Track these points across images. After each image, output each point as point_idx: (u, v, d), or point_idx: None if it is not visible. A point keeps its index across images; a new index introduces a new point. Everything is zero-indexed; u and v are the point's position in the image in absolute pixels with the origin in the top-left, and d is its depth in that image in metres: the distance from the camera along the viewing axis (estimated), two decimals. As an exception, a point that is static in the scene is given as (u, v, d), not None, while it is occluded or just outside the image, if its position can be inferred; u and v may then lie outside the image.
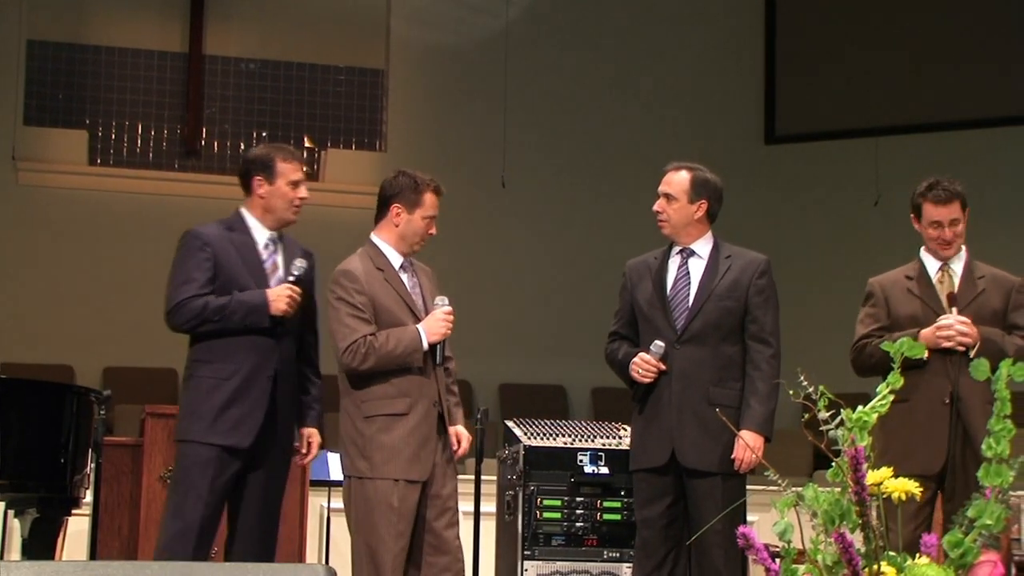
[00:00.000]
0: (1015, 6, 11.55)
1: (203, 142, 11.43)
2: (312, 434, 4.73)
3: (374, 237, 4.75)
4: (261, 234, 4.67)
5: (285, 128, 11.67)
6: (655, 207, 4.76)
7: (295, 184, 4.64)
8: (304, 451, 4.74)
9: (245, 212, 4.69)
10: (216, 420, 4.49)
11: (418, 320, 4.64)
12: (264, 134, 11.62)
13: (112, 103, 11.35)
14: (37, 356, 10.09)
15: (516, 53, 11.67)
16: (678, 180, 4.72)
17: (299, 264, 4.64)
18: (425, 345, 4.58)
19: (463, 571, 4.68)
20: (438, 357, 4.63)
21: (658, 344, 4.61)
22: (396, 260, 4.71)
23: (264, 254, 4.66)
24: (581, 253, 11.33)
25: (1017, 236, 10.36)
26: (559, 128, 11.81)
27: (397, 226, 4.69)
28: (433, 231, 4.73)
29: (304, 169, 4.73)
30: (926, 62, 11.61)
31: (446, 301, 4.65)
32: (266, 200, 4.63)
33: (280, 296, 4.55)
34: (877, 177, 11.21)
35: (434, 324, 4.60)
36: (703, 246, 4.75)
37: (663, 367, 4.61)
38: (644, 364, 4.62)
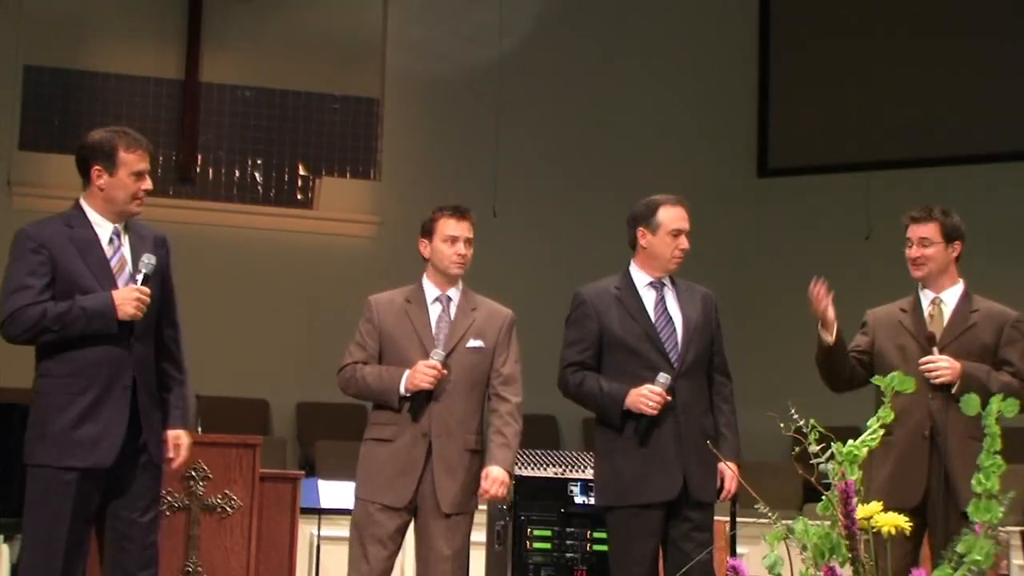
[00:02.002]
0: (1007, 43, 11.62)
1: (198, 169, 11.43)
2: (177, 436, 4.24)
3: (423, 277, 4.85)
4: (104, 229, 4.24)
5: (280, 155, 11.69)
6: (687, 245, 4.75)
7: (139, 175, 4.23)
8: (171, 455, 4.25)
9: (85, 205, 4.28)
10: (71, 441, 4.07)
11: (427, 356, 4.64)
12: (259, 161, 11.63)
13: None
14: (28, 380, 10.04)
15: (509, 84, 11.70)
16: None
17: (146, 261, 4.20)
18: (402, 390, 4.59)
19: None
20: (417, 406, 4.60)
21: (665, 376, 4.59)
22: (432, 293, 4.81)
23: (109, 250, 4.22)
24: (571, 284, 11.24)
25: (1008, 270, 10.37)
26: (551, 159, 11.83)
27: (427, 259, 4.82)
28: (462, 251, 4.82)
29: (148, 157, 4.27)
30: (918, 97, 11.66)
31: (441, 355, 4.63)
32: (106, 192, 4.23)
33: (127, 299, 4.11)
34: (868, 211, 11.25)
35: (413, 374, 4.60)
36: (667, 278, 4.80)
37: (669, 399, 4.59)
38: (655, 396, 4.57)
